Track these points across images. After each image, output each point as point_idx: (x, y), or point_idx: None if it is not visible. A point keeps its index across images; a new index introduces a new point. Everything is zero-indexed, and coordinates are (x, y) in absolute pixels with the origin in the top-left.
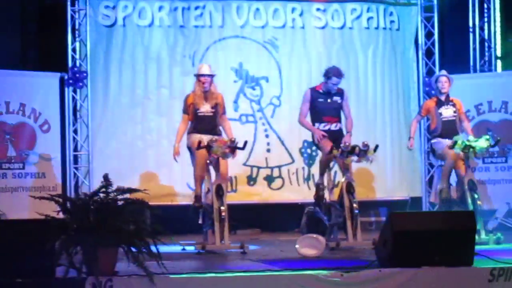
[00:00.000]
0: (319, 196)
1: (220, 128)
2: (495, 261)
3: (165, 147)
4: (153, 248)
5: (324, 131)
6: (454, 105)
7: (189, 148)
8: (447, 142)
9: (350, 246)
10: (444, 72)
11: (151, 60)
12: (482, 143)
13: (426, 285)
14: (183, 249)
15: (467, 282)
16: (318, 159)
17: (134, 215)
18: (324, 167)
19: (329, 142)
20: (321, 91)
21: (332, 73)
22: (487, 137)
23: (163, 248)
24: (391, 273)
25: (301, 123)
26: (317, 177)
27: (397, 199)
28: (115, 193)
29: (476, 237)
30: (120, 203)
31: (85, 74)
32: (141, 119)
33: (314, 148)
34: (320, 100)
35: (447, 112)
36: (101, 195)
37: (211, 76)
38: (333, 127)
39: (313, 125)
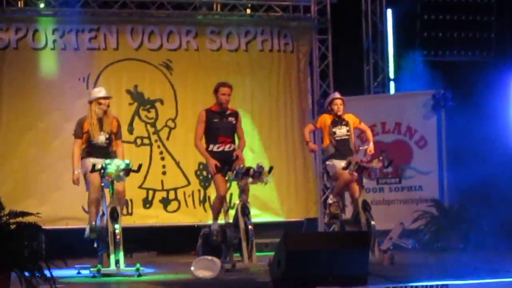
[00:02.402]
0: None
1: (114, 151)
2: (389, 280)
3: (59, 170)
4: (47, 272)
5: (218, 152)
6: (347, 124)
7: (84, 174)
8: (341, 164)
9: (245, 267)
10: (338, 94)
11: (45, 82)
12: (375, 163)
13: None
14: (78, 272)
15: None
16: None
17: (28, 239)
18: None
19: (223, 182)
20: (216, 110)
21: (219, 84)
22: (380, 158)
23: (58, 272)
24: None
25: (196, 147)
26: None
27: (293, 220)
28: (7, 217)
29: (370, 257)
30: (12, 227)
31: None
32: (35, 142)
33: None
34: (216, 120)
35: (340, 131)
36: None
37: (109, 98)
38: (227, 148)
39: (208, 146)
